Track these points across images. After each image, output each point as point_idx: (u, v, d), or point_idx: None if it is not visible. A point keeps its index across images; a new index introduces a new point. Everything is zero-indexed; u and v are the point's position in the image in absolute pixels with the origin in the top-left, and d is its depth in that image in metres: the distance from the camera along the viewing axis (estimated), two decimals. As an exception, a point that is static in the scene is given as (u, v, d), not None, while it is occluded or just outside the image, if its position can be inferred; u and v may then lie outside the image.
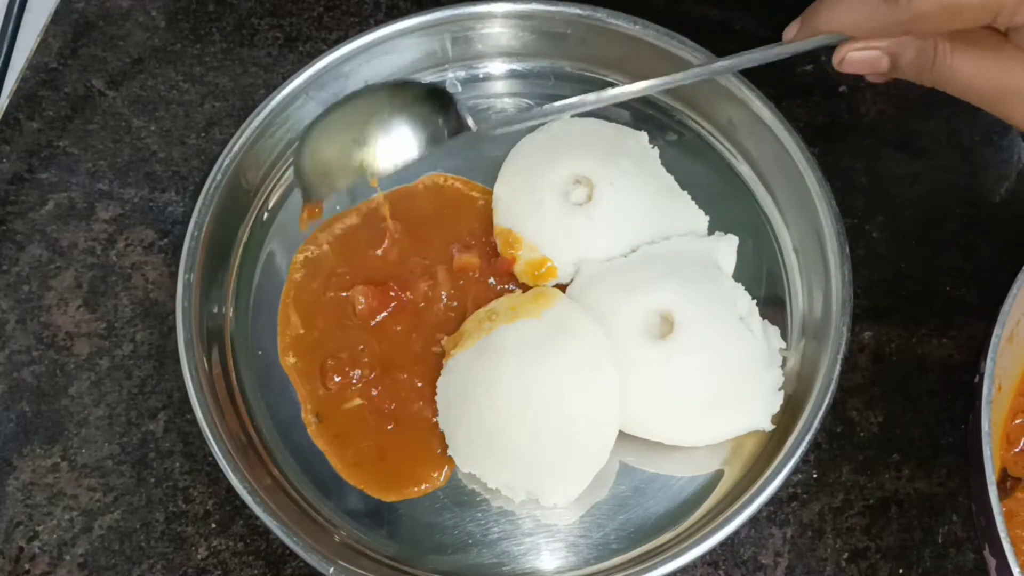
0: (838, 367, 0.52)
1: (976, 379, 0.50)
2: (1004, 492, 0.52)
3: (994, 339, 0.49)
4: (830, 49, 0.48)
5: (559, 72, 0.65)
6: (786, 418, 0.54)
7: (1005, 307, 0.50)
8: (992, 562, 0.48)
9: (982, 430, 0.47)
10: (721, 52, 0.60)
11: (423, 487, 0.55)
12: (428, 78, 0.65)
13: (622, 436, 0.53)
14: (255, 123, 0.60)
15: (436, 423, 0.55)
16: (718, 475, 0.55)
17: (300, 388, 0.57)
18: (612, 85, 0.65)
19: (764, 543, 0.55)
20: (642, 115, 0.64)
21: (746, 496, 0.51)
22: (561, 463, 0.53)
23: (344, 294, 0.59)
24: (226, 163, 0.59)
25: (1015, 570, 0.45)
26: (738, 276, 0.58)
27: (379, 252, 0.60)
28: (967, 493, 0.55)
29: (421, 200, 0.62)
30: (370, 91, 0.53)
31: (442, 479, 0.55)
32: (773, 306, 0.58)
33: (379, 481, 0.55)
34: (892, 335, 0.59)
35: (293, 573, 0.54)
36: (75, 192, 0.64)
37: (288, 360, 0.58)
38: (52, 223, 0.63)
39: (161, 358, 0.59)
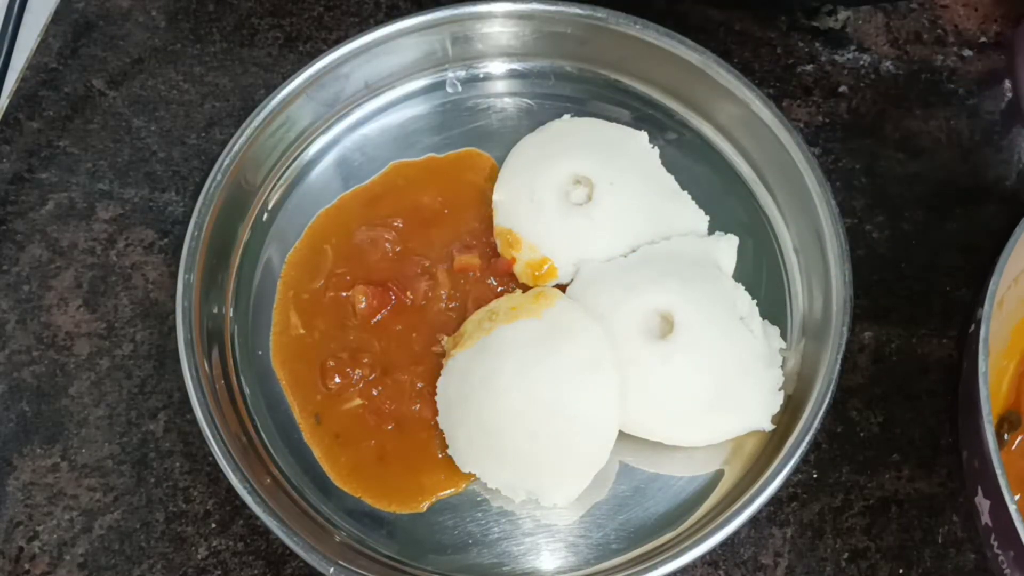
0: (838, 367, 0.52)
1: (971, 329, 0.49)
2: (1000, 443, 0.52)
3: (991, 286, 0.48)
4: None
5: (559, 72, 0.65)
6: (786, 418, 0.54)
7: (1004, 255, 0.49)
8: (986, 504, 0.47)
9: (979, 371, 0.46)
10: (721, 52, 0.61)
11: (426, 500, 0.54)
12: (428, 78, 0.65)
13: (622, 436, 0.53)
14: (255, 123, 0.60)
15: (436, 424, 0.55)
16: (718, 475, 0.55)
17: (293, 391, 0.57)
18: (614, 85, 0.65)
19: (764, 543, 0.55)
20: (642, 115, 0.64)
21: (746, 496, 0.51)
22: (561, 463, 0.53)
23: (344, 294, 0.59)
24: (226, 163, 0.59)
25: (1011, 506, 0.44)
26: (738, 276, 0.58)
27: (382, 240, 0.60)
28: (966, 491, 0.55)
29: (441, 174, 0.62)
30: None
31: (463, 486, 0.55)
32: (773, 306, 0.58)
33: (380, 489, 0.55)
34: (892, 335, 0.59)
35: (293, 573, 0.54)
36: (75, 192, 0.64)
37: (280, 363, 0.58)
38: (52, 223, 0.63)
39: (161, 358, 0.59)
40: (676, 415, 0.54)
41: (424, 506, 0.54)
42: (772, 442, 0.54)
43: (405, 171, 0.63)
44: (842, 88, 0.66)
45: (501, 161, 0.61)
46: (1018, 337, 0.55)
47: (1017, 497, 0.48)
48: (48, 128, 0.67)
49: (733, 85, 0.60)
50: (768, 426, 0.54)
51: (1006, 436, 0.53)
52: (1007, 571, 0.48)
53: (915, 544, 0.55)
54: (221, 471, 0.52)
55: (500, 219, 0.59)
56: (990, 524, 0.48)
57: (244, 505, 0.51)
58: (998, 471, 0.45)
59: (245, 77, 0.68)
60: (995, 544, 0.48)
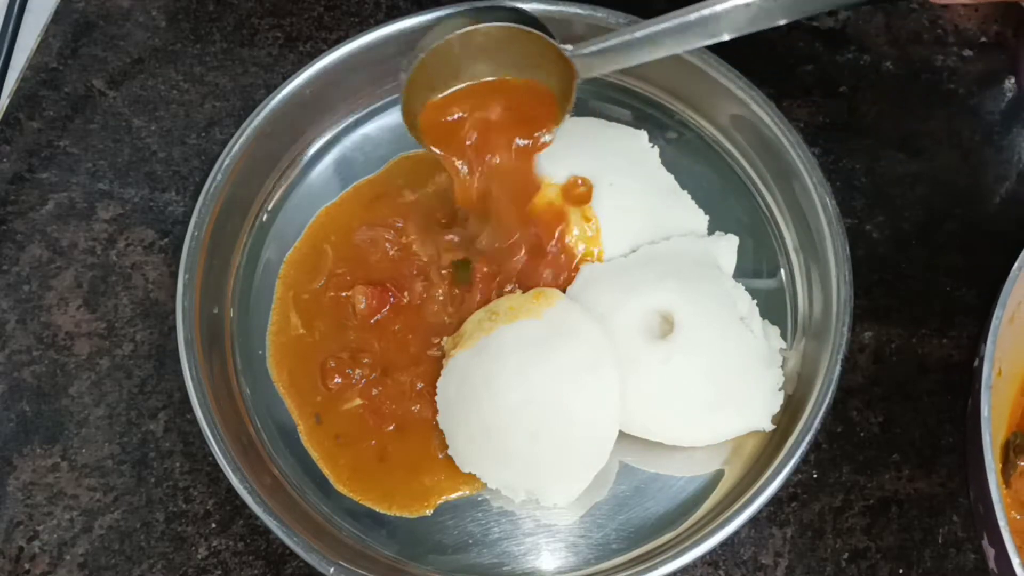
0: (838, 367, 0.52)
1: (976, 363, 0.49)
2: (1008, 470, 0.52)
3: (994, 321, 0.48)
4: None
5: (559, 72, 0.65)
6: (786, 418, 0.54)
7: (1006, 287, 0.49)
8: (991, 551, 0.48)
9: (981, 415, 0.46)
10: (722, 53, 0.61)
11: (430, 506, 0.54)
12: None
13: (622, 436, 0.53)
14: (255, 123, 0.60)
15: (436, 424, 0.55)
16: (718, 475, 0.55)
17: (293, 391, 0.57)
18: (613, 85, 0.65)
19: (764, 543, 0.55)
20: (642, 115, 0.64)
21: (746, 496, 0.51)
22: (561, 463, 0.53)
23: (344, 294, 0.59)
24: (226, 163, 0.59)
25: (1015, 560, 0.45)
26: (738, 276, 0.58)
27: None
28: (967, 493, 0.55)
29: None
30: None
31: (468, 491, 0.55)
32: (773, 306, 0.58)
33: (381, 492, 0.55)
34: (892, 335, 0.59)
35: (293, 573, 0.54)
36: (75, 192, 0.64)
37: (280, 363, 0.57)
38: (52, 223, 0.63)
39: (161, 358, 0.59)
40: (676, 415, 0.54)
41: (428, 511, 0.54)
42: (772, 442, 0.54)
43: (409, 165, 0.63)
44: (842, 88, 0.66)
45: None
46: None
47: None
48: (48, 128, 0.67)
49: (733, 85, 0.60)
50: (768, 426, 0.54)
51: (1020, 463, 0.53)
52: None
53: (915, 544, 0.55)
54: (221, 471, 0.51)
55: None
56: (996, 571, 0.48)
57: (244, 505, 0.51)
58: (1001, 523, 0.45)
59: (245, 77, 0.68)
60: None
